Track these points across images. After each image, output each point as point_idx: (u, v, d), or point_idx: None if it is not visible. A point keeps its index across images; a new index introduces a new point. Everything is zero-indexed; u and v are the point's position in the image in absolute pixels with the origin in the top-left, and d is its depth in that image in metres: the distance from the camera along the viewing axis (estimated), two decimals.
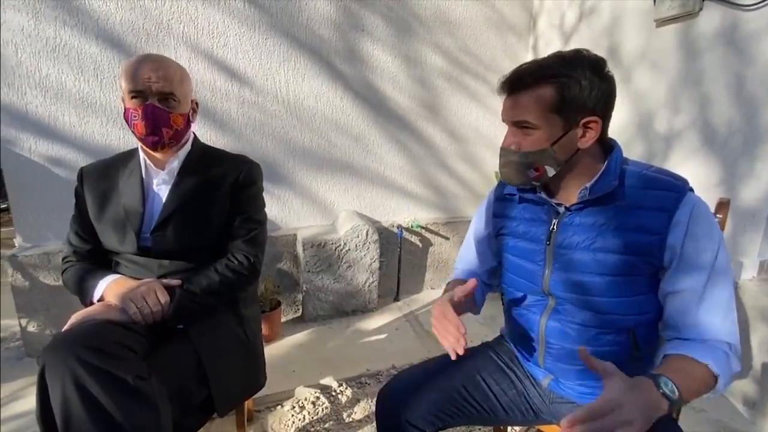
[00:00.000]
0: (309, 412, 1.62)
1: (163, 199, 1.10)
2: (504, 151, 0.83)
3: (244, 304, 1.18)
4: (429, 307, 2.59)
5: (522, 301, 0.93)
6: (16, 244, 2.00)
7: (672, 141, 1.91)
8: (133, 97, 1.01)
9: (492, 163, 2.86)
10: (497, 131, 2.83)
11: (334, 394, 1.73)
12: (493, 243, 1.03)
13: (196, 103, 1.16)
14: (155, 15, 1.95)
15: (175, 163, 1.12)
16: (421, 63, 2.51)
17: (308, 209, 2.48)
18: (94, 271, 1.07)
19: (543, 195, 0.88)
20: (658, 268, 0.77)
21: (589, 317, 0.82)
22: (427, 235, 2.75)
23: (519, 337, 0.97)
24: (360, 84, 2.41)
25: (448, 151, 2.73)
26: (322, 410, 1.64)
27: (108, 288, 1.01)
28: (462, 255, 1.13)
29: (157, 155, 1.10)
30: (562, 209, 0.85)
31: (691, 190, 0.78)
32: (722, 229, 0.89)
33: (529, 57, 2.80)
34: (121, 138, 2.00)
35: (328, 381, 1.78)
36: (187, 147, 1.16)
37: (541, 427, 1.05)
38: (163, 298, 0.98)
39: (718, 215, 0.90)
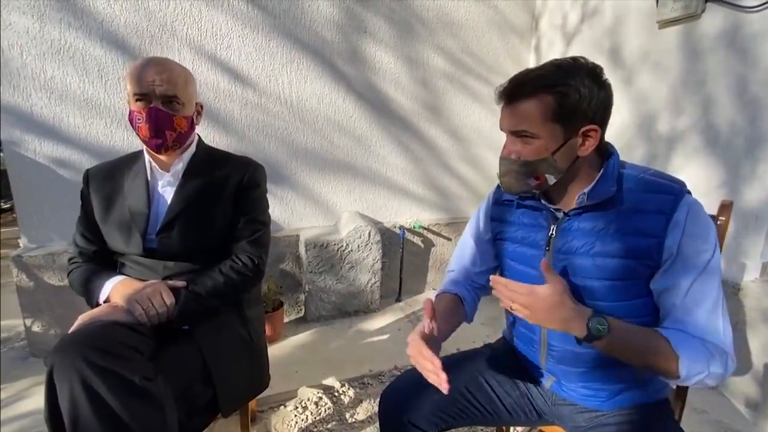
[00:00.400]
0: (312, 413, 1.62)
1: (168, 201, 1.11)
2: (504, 160, 0.83)
3: (248, 305, 1.19)
4: None
5: None
6: (21, 245, 2.02)
7: (674, 143, 1.91)
8: (137, 100, 1.02)
9: (494, 164, 2.85)
10: (499, 133, 2.80)
11: (336, 394, 1.74)
12: (493, 247, 1.03)
13: (201, 106, 1.17)
14: (159, 17, 1.97)
15: (179, 165, 1.13)
16: (423, 64, 2.52)
17: (311, 210, 2.49)
18: (100, 273, 1.08)
19: (542, 201, 0.88)
20: (656, 270, 0.77)
21: None
22: (429, 235, 2.75)
23: (522, 339, 0.97)
24: (362, 85, 2.41)
25: (450, 152, 2.74)
26: (325, 410, 1.64)
27: (114, 289, 1.01)
28: (457, 256, 1.09)
29: (162, 157, 1.11)
30: (560, 215, 0.86)
31: (689, 192, 0.78)
32: (725, 231, 0.89)
33: (531, 58, 2.80)
34: (126, 139, 2.02)
35: (331, 381, 1.79)
36: (192, 149, 1.17)
37: (544, 428, 1.06)
38: (169, 299, 0.98)
39: (720, 217, 0.90)
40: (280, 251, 2.36)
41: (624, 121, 2.11)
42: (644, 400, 0.86)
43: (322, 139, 2.40)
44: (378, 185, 2.61)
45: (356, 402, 1.70)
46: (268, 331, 2.07)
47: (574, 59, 0.78)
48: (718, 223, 0.88)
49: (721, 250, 0.80)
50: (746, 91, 1.62)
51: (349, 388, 1.76)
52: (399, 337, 2.22)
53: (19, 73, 1.83)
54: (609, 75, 0.80)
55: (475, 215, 1.08)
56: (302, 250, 2.33)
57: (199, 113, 1.16)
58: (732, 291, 1.64)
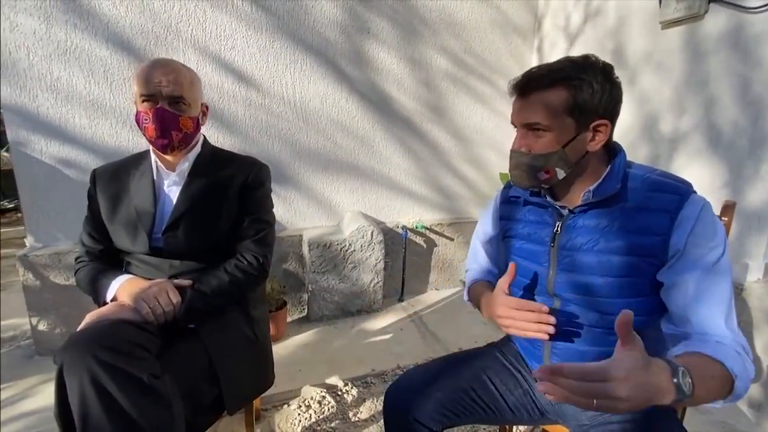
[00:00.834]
0: (315, 411, 1.63)
1: (174, 200, 1.12)
2: (515, 153, 0.84)
3: (253, 304, 1.20)
4: (433, 307, 2.61)
5: None
6: (27, 244, 2.03)
7: (677, 143, 1.91)
8: (144, 101, 1.03)
9: (497, 164, 2.86)
10: (502, 133, 2.84)
11: (340, 393, 1.75)
12: (501, 245, 1.04)
13: (206, 107, 1.18)
14: (164, 18, 1.98)
15: (185, 165, 1.14)
16: (426, 65, 2.53)
17: (314, 210, 2.50)
18: (107, 271, 1.09)
19: (547, 198, 0.89)
20: (660, 268, 0.78)
21: (594, 318, 0.83)
22: (432, 236, 2.76)
23: (525, 338, 0.98)
24: (365, 86, 2.42)
25: (453, 153, 2.74)
26: (328, 409, 1.65)
27: (121, 288, 1.02)
28: (471, 257, 1.14)
29: (168, 157, 1.12)
30: (565, 212, 0.86)
31: (695, 192, 0.78)
32: (728, 231, 0.90)
33: (534, 58, 2.81)
34: (131, 140, 2.03)
35: (334, 380, 1.80)
36: (197, 149, 1.18)
37: (546, 427, 1.06)
38: (175, 298, 0.99)
39: (723, 218, 0.90)
40: (283, 251, 2.37)
41: (627, 121, 2.11)
42: None
43: (325, 140, 2.41)
44: (381, 185, 2.62)
45: (359, 401, 1.71)
46: (271, 330, 2.08)
47: (586, 56, 0.79)
48: (720, 222, 0.89)
49: None
50: (749, 91, 1.62)
51: (352, 388, 1.77)
52: (401, 337, 2.23)
53: (26, 74, 1.84)
54: None
55: (482, 217, 1.10)
56: (305, 249, 2.34)
57: (204, 114, 1.17)
58: (735, 291, 1.63)
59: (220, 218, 1.13)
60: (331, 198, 2.52)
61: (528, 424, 1.06)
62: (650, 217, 0.77)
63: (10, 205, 7.00)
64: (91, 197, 1.17)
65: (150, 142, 1.08)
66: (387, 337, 2.24)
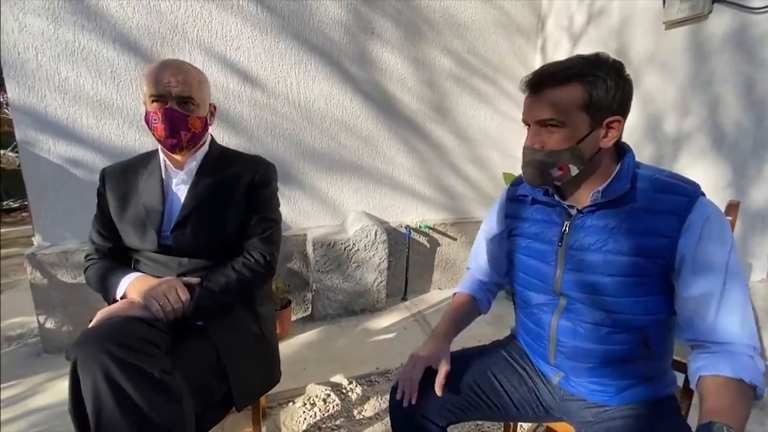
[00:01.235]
0: (320, 409, 1.64)
1: (182, 199, 1.13)
2: (528, 149, 0.84)
3: (260, 301, 1.21)
4: (437, 307, 2.61)
5: (534, 301, 0.95)
6: (35, 243, 2.05)
7: (681, 143, 1.92)
8: (153, 101, 1.04)
9: (500, 164, 2.87)
10: (505, 133, 2.85)
11: (344, 391, 1.76)
12: (505, 243, 1.05)
13: (214, 107, 1.20)
14: (170, 19, 2.00)
15: (193, 164, 1.15)
16: (429, 65, 2.54)
17: (318, 209, 2.51)
18: (116, 269, 1.10)
19: (555, 197, 0.90)
20: (668, 270, 0.78)
21: (600, 317, 0.84)
22: (435, 235, 2.77)
23: (530, 335, 0.99)
24: (369, 86, 2.44)
25: (457, 153, 2.75)
26: (333, 407, 1.66)
27: (130, 285, 1.04)
28: (473, 256, 1.15)
29: (176, 156, 1.14)
30: (574, 211, 0.87)
31: (703, 194, 0.79)
32: (732, 231, 0.90)
33: (537, 58, 2.81)
34: (137, 139, 2.05)
35: (339, 379, 1.81)
36: (205, 148, 1.19)
37: (551, 425, 1.07)
38: (184, 295, 1.01)
39: (727, 217, 0.91)
40: (287, 250, 2.38)
41: (631, 121, 2.09)
42: (652, 395, 0.87)
43: (329, 140, 2.43)
44: (384, 185, 2.63)
45: (364, 399, 1.72)
46: (276, 328, 2.09)
47: (597, 54, 0.80)
48: (728, 224, 0.89)
49: None
50: (753, 92, 1.63)
51: (356, 386, 1.78)
52: (405, 336, 2.24)
53: (34, 75, 1.86)
54: None
55: (487, 216, 1.10)
56: (309, 249, 2.35)
57: (212, 114, 1.19)
58: None
59: (228, 216, 1.14)
60: (335, 197, 2.54)
61: (532, 421, 1.06)
62: (658, 218, 0.78)
63: (15, 205, 7.06)
64: (101, 196, 1.18)
65: (159, 141, 1.09)
66: (390, 336, 2.25)
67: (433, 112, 2.62)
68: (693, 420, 0.91)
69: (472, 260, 1.15)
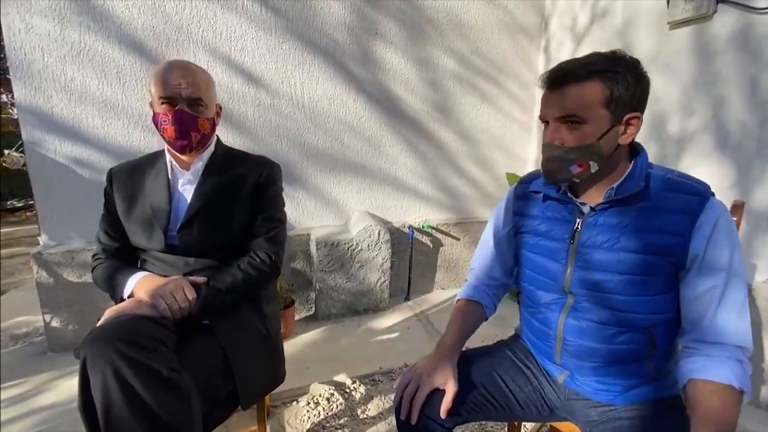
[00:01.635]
0: (324, 408, 1.65)
1: (188, 199, 1.14)
2: (548, 146, 0.84)
3: (266, 300, 1.22)
4: (439, 306, 2.62)
5: (541, 299, 0.95)
6: (41, 242, 2.07)
7: (685, 143, 1.92)
8: (162, 103, 1.05)
9: (503, 164, 2.88)
10: (508, 133, 2.85)
11: (348, 391, 1.76)
12: (512, 241, 1.04)
13: (220, 107, 1.20)
14: (175, 20, 2.01)
15: (199, 164, 1.16)
16: (433, 65, 2.54)
17: (321, 209, 2.52)
18: (123, 269, 1.11)
19: (568, 194, 0.90)
20: (679, 268, 0.79)
21: (607, 315, 0.85)
22: (438, 235, 2.77)
23: (535, 334, 0.99)
24: (373, 86, 2.44)
25: (460, 153, 2.76)
26: (337, 406, 1.67)
27: (137, 285, 1.05)
28: (478, 255, 1.13)
29: (183, 157, 1.15)
30: (586, 209, 0.87)
31: (713, 194, 0.80)
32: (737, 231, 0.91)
33: (540, 59, 2.81)
34: (142, 140, 2.06)
35: (342, 378, 1.82)
36: (211, 149, 1.20)
37: (555, 424, 1.07)
38: (191, 294, 1.02)
39: (732, 218, 0.91)
40: (291, 250, 2.39)
41: None
42: (657, 395, 0.88)
43: (332, 140, 2.44)
44: (387, 185, 2.63)
45: (367, 398, 1.73)
46: (281, 327, 2.10)
47: (614, 51, 0.80)
48: (735, 226, 0.90)
49: None
50: (757, 92, 1.63)
51: (360, 385, 1.79)
52: (408, 336, 2.24)
53: (41, 75, 1.88)
54: None
55: (494, 214, 1.10)
56: (313, 248, 2.36)
57: (218, 114, 1.20)
58: None
59: (234, 216, 1.15)
60: (338, 197, 2.54)
61: (537, 421, 1.07)
62: (670, 217, 0.79)
63: (19, 204, 7.11)
64: (108, 196, 1.19)
65: (169, 143, 1.10)
66: (394, 335, 2.25)
67: (437, 113, 2.63)
68: None
69: (478, 259, 1.12)
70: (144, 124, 2.04)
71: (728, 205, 0.93)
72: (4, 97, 7.27)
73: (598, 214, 0.85)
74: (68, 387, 1.75)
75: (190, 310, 1.01)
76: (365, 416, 1.63)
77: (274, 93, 2.26)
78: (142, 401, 0.78)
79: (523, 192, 1.02)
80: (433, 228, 2.72)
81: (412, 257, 2.68)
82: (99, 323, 0.93)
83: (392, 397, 1.73)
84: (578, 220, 0.88)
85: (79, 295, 2.01)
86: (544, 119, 0.86)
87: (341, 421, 1.60)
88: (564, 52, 2.60)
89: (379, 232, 2.37)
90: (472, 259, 1.15)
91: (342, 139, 2.46)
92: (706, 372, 0.74)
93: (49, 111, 1.92)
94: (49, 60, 1.88)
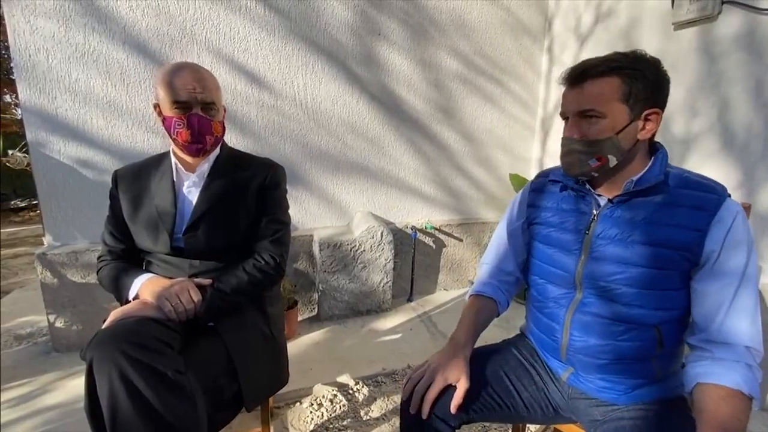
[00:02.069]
0: (327, 410, 1.65)
1: (194, 201, 1.14)
2: (567, 140, 0.86)
3: (270, 302, 1.22)
4: (442, 307, 2.62)
5: (550, 293, 0.95)
6: (45, 243, 2.07)
7: (690, 144, 1.91)
8: (175, 107, 1.05)
9: (506, 165, 2.87)
10: (512, 133, 2.85)
11: (351, 392, 1.76)
12: (525, 233, 1.04)
13: (225, 109, 1.21)
14: (179, 21, 2.01)
15: (205, 166, 1.16)
16: (436, 66, 2.54)
17: (324, 210, 2.52)
18: (129, 270, 1.12)
19: (586, 186, 0.91)
20: (693, 264, 0.80)
21: (616, 311, 0.85)
22: (441, 236, 2.77)
23: (542, 329, 0.98)
24: (376, 87, 2.44)
25: (463, 154, 2.75)
26: (340, 408, 1.67)
27: (143, 286, 1.05)
28: (490, 249, 1.11)
29: (189, 159, 1.15)
30: (604, 201, 0.88)
31: (729, 195, 0.81)
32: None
33: (544, 60, 2.81)
34: (146, 141, 2.06)
35: (345, 379, 1.82)
36: (216, 150, 1.20)
37: (560, 427, 1.07)
38: (196, 296, 1.02)
39: None
40: (294, 251, 2.39)
41: None
42: (661, 395, 0.87)
43: (335, 141, 2.44)
44: (390, 186, 2.63)
45: (371, 400, 1.73)
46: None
47: (634, 51, 0.83)
48: (750, 227, 0.90)
49: None
50: (763, 93, 1.62)
51: (363, 386, 1.79)
52: (411, 337, 2.24)
53: (45, 77, 1.88)
54: None
55: (508, 208, 1.11)
56: (316, 249, 2.36)
57: (224, 116, 1.20)
58: None
59: (239, 218, 1.15)
60: (341, 198, 2.54)
61: (542, 422, 1.06)
62: (688, 212, 0.79)
63: (23, 204, 7.14)
64: (113, 197, 1.19)
65: (183, 147, 1.10)
66: (397, 336, 2.25)
67: (440, 113, 2.63)
68: None
69: (490, 253, 1.11)
70: (148, 125, 2.05)
71: None
72: (7, 97, 7.31)
73: (615, 207, 0.86)
74: (73, 387, 1.76)
75: (195, 311, 1.02)
76: (368, 417, 1.63)
77: (278, 94, 2.26)
78: (148, 403, 0.78)
79: (539, 185, 1.04)
80: (436, 229, 2.72)
81: (414, 258, 2.68)
82: (105, 325, 0.93)
83: (395, 398, 1.73)
84: (594, 211, 0.89)
85: (83, 295, 2.02)
86: (564, 115, 0.88)
87: (344, 423, 1.60)
88: (567, 53, 2.60)
89: (382, 233, 2.37)
90: (483, 255, 1.15)
91: (345, 139, 2.46)
92: (715, 377, 0.74)
93: (53, 112, 1.93)
94: (53, 61, 1.88)
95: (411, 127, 2.58)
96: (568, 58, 2.58)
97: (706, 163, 1.83)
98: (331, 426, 1.58)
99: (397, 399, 1.73)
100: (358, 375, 1.86)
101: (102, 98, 1.97)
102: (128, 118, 2.03)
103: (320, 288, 2.37)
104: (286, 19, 2.19)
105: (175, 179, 1.16)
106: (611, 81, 0.79)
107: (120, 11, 1.92)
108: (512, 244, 1.07)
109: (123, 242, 1.18)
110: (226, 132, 2.12)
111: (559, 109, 0.90)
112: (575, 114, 0.84)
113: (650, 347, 0.85)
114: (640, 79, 0.78)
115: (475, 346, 1.00)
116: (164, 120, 1.08)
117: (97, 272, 1.17)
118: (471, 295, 1.08)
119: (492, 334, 2.18)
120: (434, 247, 2.78)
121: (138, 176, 1.19)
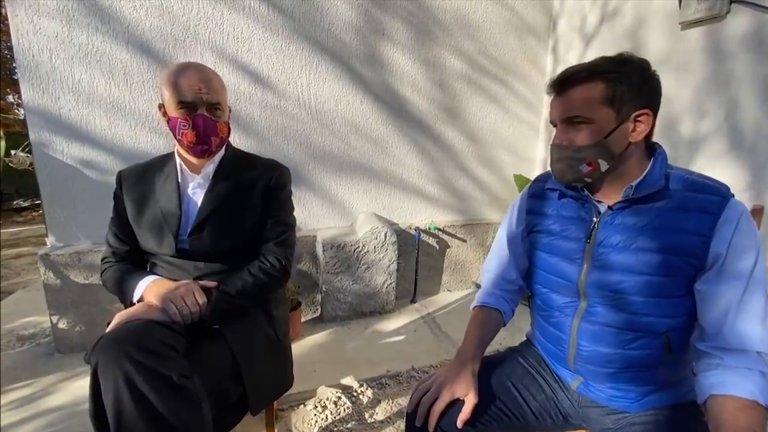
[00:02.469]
0: (331, 412, 1.64)
1: (199, 203, 1.13)
2: (556, 147, 0.85)
3: (275, 304, 1.21)
4: (446, 309, 2.60)
5: (554, 303, 0.93)
6: (48, 244, 2.07)
7: (698, 145, 1.89)
8: (180, 108, 1.04)
9: (510, 165, 2.86)
10: (516, 134, 2.83)
11: (355, 394, 1.75)
12: (526, 241, 1.02)
13: (230, 109, 1.20)
14: (183, 21, 2.00)
15: (210, 168, 1.15)
16: (440, 66, 2.53)
17: (328, 211, 2.51)
18: (133, 272, 1.11)
19: (585, 191, 0.89)
20: (699, 269, 0.78)
21: (622, 319, 0.83)
22: (445, 237, 2.75)
23: (548, 338, 0.97)
24: (380, 87, 2.43)
25: (466, 154, 2.74)
26: (344, 410, 1.66)
27: (147, 289, 1.04)
28: (492, 257, 1.10)
29: (194, 161, 1.14)
30: (604, 207, 0.86)
31: (733, 195, 0.79)
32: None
33: (548, 60, 2.79)
34: (149, 141, 2.06)
35: (349, 381, 1.81)
36: (221, 151, 1.19)
37: None
38: (201, 299, 1.01)
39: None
40: (297, 251, 2.38)
41: None
42: (673, 401, 0.86)
43: (339, 141, 2.42)
44: (394, 186, 2.62)
45: (375, 402, 1.72)
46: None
47: (622, 54, 0.82)
48: (757, 229, 0.88)
49: None
50: None
51: (367, 388, 1.78)
52: (415, 338, 2.23)
53: (48, 77, 1.88)
54: None
55: (508, 213, 1.08)
56: (319, 250, 2.35)
57: (228, 117, 1.19)
58: None
59: (244, 220, 1.14)
60: (344, 199, 2.53)
61: (551, 431, 1.05)
62: (691, 216, 0.77)
63: (25, 204, 7.15)
64: (117, 199, 1.18)
65: (188, 148, 1.09)
66: (400, 338, 2.24)
67: (444, 114, 2.61)
68: None
69: (492, 260, 1.09)
70: (151, 125, 2.04)
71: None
72: (10, 97, 7.33)
73: (616, 214, 0.84)
74: (76, 389, 1.75)
75: (200, 314, 1.01)
76: (373, 420, 1.62)
77: (281, 94, 2.25)
78: (153, 407, 0.77)
79: (537, 190, 1.01)
80: (440, 230, 2.71)
81: (418, 259, 2.66)
82: (109, 328, 0.93)
83: (400, 400, 1.72)
84: (595, 219, 0.87)
85: (86, 296, 2.01)
86: (553, 123, 0.88)
87: (349, 425, 1.59)
88: (572, 53, 2.58)
89: (385, 234, 2.36)
90: (486, 261, 1.13)
91: (348, 140, 2.44)
92: (729, 387, 0.72)
93: (56, 112, 1.92)
94: (56, 61, 1.87)
95: (414, 127, 2.57)
96: (573, 58, 2.56)
97: (714, 165, 1.81)
98: (335, 428, 1.57)
99: (402, 401, 1.72)
100: (362, 377, 1.84)
101: (105, 98, 1.96)
102: (131, 119, 2.02)
103: (323, 289, 2.36)
104: (290, 19, 2.18)
105: (179, 180, 1.15)
106: (595, 86, 0.78)
107: (123, 11, 1.91)
108: (513, 251, 1.05)
109: (127, 244, 1.17)
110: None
111: None
112: (562, 121, 0.84)
113: (659, 354, 0.83)
114: (624, 81, 0.77)
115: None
116: (169, 121, 1.07)
117: (101, 274, 1.16)
118: (475, 307, 1.06)
119: (497, 337, 2.16)
120: (438, 247, 2.76)
121: (142, 177, 1.18)
